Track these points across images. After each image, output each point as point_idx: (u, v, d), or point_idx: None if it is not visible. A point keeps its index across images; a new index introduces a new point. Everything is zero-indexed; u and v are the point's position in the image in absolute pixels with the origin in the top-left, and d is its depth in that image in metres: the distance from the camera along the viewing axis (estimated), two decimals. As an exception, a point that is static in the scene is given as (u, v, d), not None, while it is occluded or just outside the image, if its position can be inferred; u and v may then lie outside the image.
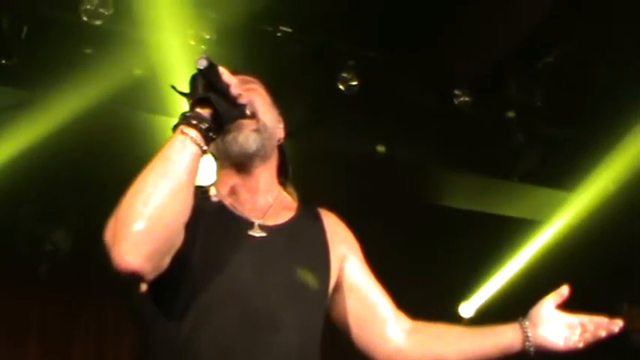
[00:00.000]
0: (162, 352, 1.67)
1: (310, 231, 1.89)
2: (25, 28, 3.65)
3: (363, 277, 1.94)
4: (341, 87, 4.17)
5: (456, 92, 4.40)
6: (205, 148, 1.62)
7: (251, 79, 1.92)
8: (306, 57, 4.13)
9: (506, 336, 1.86)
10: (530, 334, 1.85)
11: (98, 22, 3.65)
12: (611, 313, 1.91)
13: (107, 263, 1.52)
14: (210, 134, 1.62)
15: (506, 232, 5.23)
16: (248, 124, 1.80)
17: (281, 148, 1.95)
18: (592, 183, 4.68)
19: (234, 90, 1.67)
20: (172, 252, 1.59)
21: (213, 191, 1.84)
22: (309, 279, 1.79)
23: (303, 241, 1.85)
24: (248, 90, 1.82)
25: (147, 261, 1.52)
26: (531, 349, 1.85)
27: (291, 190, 1.97)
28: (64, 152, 3.98)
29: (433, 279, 5.45)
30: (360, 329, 1.91)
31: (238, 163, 1.83)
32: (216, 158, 1.88)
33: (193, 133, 1.60)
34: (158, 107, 3.79)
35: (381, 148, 4.41)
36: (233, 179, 1.84)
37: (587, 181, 4.68)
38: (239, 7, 3.76)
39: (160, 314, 1.68)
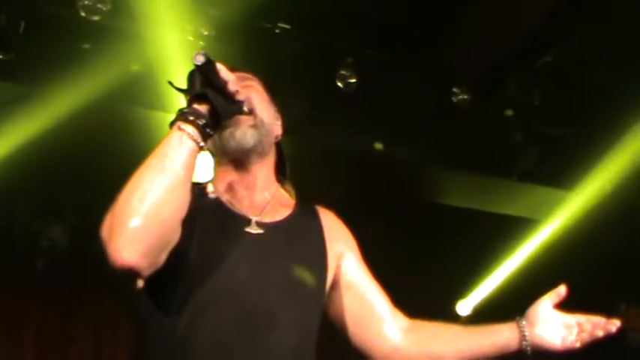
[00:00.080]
0: (159, 348, 1.67)
1: (307, 228, 1.88)
2: (22, 24, 3.64)
3: (361, 275, 1.94)
4: (339, 84, 4.16)
5: (454, 90, 4.39)
6: (202, 144, 1.61)
7: (249, 75, 1.92)
8: (304, 54, 4.12)
9: (504, 335, 1.86)
10: (527, 334, 1.85)
11: (96, 18, 3.64)
12: (609, 313, 1.91)
13: (104, 259, 1.52)
14: (208, 130, 1.62)
15: (505, 231, 5.24)
16: (245, 120, 1.79)
17: (279, 146, 1.94)
18: (590, 182, 4.68)
19: (232, 86, 1.66)
20: (169, 248, 1.59)
21: (210, 188, 1.84)
22: (306, 276, 1.78)
23: (300, 239, 1.84)
24: (246, 87, 1.81)
25: (143, 257, 1.52)
26: (528, 348, 1.85)
27: (289, 187, 1.97)
28: (62, 148, 3.98)
29: (431, 277, 5.45)
30: (357, 327, 1.91)
31: (235, 159, 1.83)
32: (213, 155, 1.88)
33: (190, 129, 1.59)
34: (156, 103, 3.79)
35: (378, 146, 4.41)
36: (230, 176, 1.84)
37: (586, 181, 4.68)
38: (237, 4, 3.75)
39: (157, 310, 1.68)
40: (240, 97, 1.70)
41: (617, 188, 4.71)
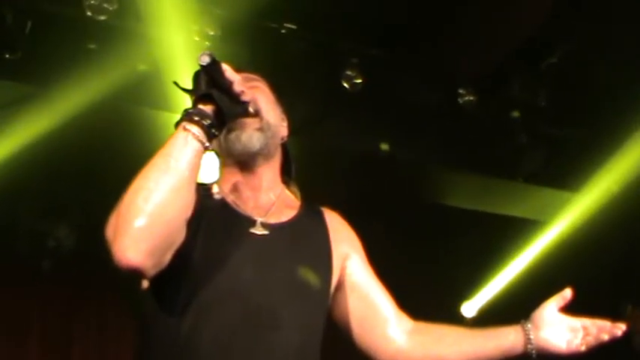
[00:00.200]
0: (162, 348, 1.67)
1: (313, 229, 1.88)
2: (29, 23, 3.65)
3: (365, 277, 1.93)
4: (345, 85, 4.16)
5: (461, 91, 4.39)
6: (207, 144, 1.61)
7: (255, 76, 1.91)
8: (310, 54, 4.12)
9: (508, 338, 1.86)
10: (532, 337, 1.84)
11: (102, 18, 3.64)
12: (615, 315, 1.90)
13: (109, 259, 1.52)
14: (213, 131, 1.62)
15: (510, 233, 5.23)
16: (251, 123, 1.79)
17: (284, 147, 1.94)
18: (596, 184, 4.67)
19: (237, 87, 1.66)
20: (173, 248, 1.58)
21: (215, 189, 1.83)
22: (311, 277, 1.78)
23: (305, 240, 1.84)
24: (251, 87, 1.81)
25: (148, 257, 1.52)
26: (533, 351, 1.84)
27: (294, 188, 1.97)
28: (67, 147, 3.98)
29: (436, 279, 5.45)
30: (362, 329, 1.90)
31: (241, 162, 1.82)
32: (219, 155, 1.87)
33: (195, 129, 1.59)
34: (162, 103, 3.79)
35: (384, 147, 4.40)
36: (236, 177, 1.84)
37: (591, 182, 4.66)
38: (243, 4, 3.76)
39: (161, 310, 1.67)
40: (245, 97, 1.70)
41: (623, 190, 4.70)
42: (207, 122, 1.60)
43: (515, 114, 4.59)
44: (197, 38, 3.75)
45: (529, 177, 4.74)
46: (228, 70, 1.65)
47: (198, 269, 1.67)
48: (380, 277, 1.96)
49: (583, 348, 1.85)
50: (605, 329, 1.83)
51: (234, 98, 1.66)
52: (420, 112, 4.49)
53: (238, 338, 1.65)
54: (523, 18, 4.06)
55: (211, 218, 1.74)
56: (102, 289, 4.76)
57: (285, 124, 1.94)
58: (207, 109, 1.62)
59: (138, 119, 3.98)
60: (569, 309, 1.88)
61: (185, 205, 1.58)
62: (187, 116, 1.61)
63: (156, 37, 3.68)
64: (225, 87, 1.64)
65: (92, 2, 3.60)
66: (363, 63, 4.16)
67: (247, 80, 1.80)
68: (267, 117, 1.82)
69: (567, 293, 1.87)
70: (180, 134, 1.59)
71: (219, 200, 1.80)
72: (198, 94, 1.64)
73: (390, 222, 5.22)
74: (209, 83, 1.63)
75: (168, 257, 1.58)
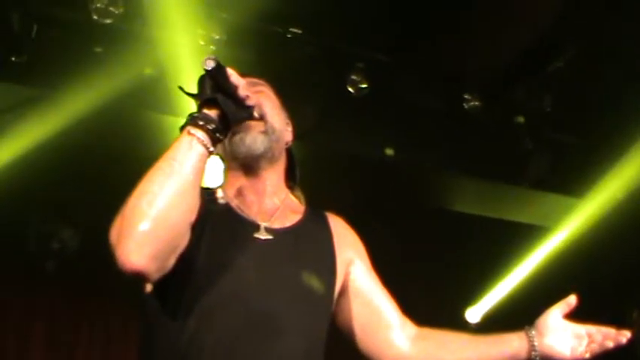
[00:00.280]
0: (165, 352, 1.67)
1: (317, 235, 1.88)
2: (35, 27, 3.66)
3: (369, 282, 1.93)
4: (350, 90, 4.16)
5: (466, 97, 4.38)
6: (212, 149, 1.61)
7: (260, 81, 1.92)
8: (315, 59, 4.12)
9: (512, 345, 1.85)
10: (536, 344, 1.83)
11: (108, 21, 3.66)
12: (620, 321, 1.89)
13: (113, 261, 1.52)
14: (217, 135, 1.62)
15: (515, 238, 5.22)
16: (256, 126, 1.79)
17: (289, 151, 1.94)
18: (601, 190, 4.65)
19: (242, 91, 1.66)
20: (177, 252, 1.58)
21: (220, 193, 1.83)
22: (315, 283, 1.78)
23: (309, 245, 1.84)
24: (256, 92, 1.81)
25: (151, 261, 1.52)
26: (537, 358, 1.83)
27: (299, 193, 1.97)
28: (73, 150, 3.99)
29: (440, 284, 5.44)
30: (365, 334, 1.90)
31: (245, 165, 1.82)
32: (223, 160, 1.87)
33: (200, 133, 1.59)
34: (167, 107, 3.80)
35: (389, 152, 4.40)
36: (240, 181, 1.84)
37: (597, 188, 4.65)
38: (249, 8, 3.76)
39: (165, 314, 1.67)
40: (250, 102, 1.70)
41: (628, 196, 4.69)
42: (211, 126, 1.60)
43: (521, 119, 4.58)
44: (202, 42, 3.76)
45: (534, 183, 4.73)
46: (233, 74, 1.65)
47: (202, 274, 1.67)
48: (386, 283, 1.96)
49: (587, 355, 1.84)
50: (610, 336, 1.83)
51: (239, 103, 1.66)
52: (426, 117, 4.49)
53: (242, 343, 1.65)
54: (532, 23, 4.06)
55: (215, 223, 1.74)
56: (106, 291, 4.75)
57: (289, 128, 1.94)
58: (212, 113, 1.62)
59: (143, 123, 3.98)
60: (574, 316, 1.87)
61: (189, 209, 1.58)
62: (192, 120, 1.61)
63: (161, 40, 3.69)
64: (230, 91, 1.64)
65: (98, 5, 3.61)
66: (369, 68, 4.16)
67: (252, 85, 1.81)
68: (272, 121, 1.83)
69: (572, 300, 1.87)
70: (185, 138, 1.59)
71: (224, 205, 1.80)
72: (203, 98, 1.64)
73: (395, 227, 5.21)
74: (214, 88, 1.63)
75: (171, 261, 1.57)
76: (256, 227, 1.77)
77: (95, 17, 3.64)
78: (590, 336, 1.84)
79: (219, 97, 1.63)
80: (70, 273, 4.90)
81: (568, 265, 4.99)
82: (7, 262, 4.75)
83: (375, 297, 1.91)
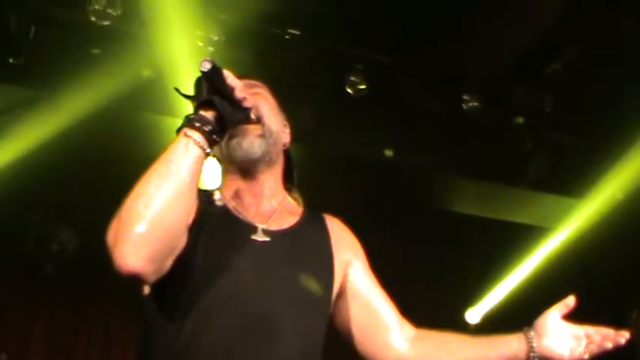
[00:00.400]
0: (163, 353, 1.66)
1: (315, 236, 1.87)
2: (33, 28, 3.66)
3: (367, 284, 1.92)
4: (349, 91, 4.15)
5: (465, 97, 4.38)
6: (209, 150, 1.61)
7: (257, 83, 1.91)
8: (314, 60, 4.12)
9: (511, 346, 1.84)
10: (535, 345, 1.83)
11: (106, 23, 3.65)
12: (620, 321, 1.89)
13: (111, 264, 1.52)
14: (214, 137, 1.62)
15: (514, 239, 5.22)
16: (253, 130, 1.79)
17: (287, 153, 1.94)
18: (601, 190, 4.65)
19: (239, 93, 1.66)
20: (174, 254, 1.58)
21: (217, 195, 1.83)
22: (313, 284, 1.77)
23: (307, 247, 1.83)
24: (253, 94, 1.80)
25: (148, 263, 1.52)
26: (536, 359, 1.83)
27: (297, 195, 1.96)
28: (72, 152, 3.99)
29: (440, 285, 5.44)
30: (364, 336, 1.89)
31: (243, 168, 1.82)
32: (220, 162, 1.87)
33: (197, 135, 1.59)
34: (165, 108, 3.79)
35: (388, 153, 4.40)
36: (237, 183, 1.83)
37: (596, 189, 4.65)
38: (247, 9, 3.76)
39: (162, 316, 1.67)
40: (247, 104, 1.69)
41: (628, 196, 4.68)
42: (208, 128, 1.60)
43: (520, 120, 4.57)
44: (201, 43, 3.76)
45: (534, 184, 4.73)
46: (229, 76, 1.64)
47: (199, 275, 1.67)
48: (385, 284, 1.95)
49: (586, 356, 1.83)
50: (609, 337, 1.82)
51: (236, 105, 1.66)
52: (425, 118, 4.49)
53: (239, 345, 1.64)
54: (529, 23, 4.06)
55: (213, 225, 1.73)
56: (105, 293, 4.75)
57: (287, 130, 1.93)
58: (209, 115, 1.62)
59: (141, 124, 3.99)
60: (574, 316, 1.86)
61: (186, 211, 1.58)
62: (188, 122, 1.61)
63: (159, 42, 3.68)
64: (227, 93, 1.64)
65: (96, 7, 3.61)
66: (367, 69, 4.16)
67: (249, 87, 1.80)
68: (269, 124, 1.82)
69: (570, 301, 1.86)
70: (182, 140, 1.59)
71: (221, 207, 1.80)
72: (200, 100, 1.64)
73: (395, 229, 5.21)
74: (210, 89, 1.63)
75: (168, 263, 1.57)
76: (254, 229, 1.77)
77: (93, 19, 3.64)
78: (588, 337, 1.83)
79: (216, 99, 1.62)
80: (70, 275, 4.90)
81: (568, 266, 4.99)
82: (7, 263, 4.76)
83: (373, 299, 1.91)
